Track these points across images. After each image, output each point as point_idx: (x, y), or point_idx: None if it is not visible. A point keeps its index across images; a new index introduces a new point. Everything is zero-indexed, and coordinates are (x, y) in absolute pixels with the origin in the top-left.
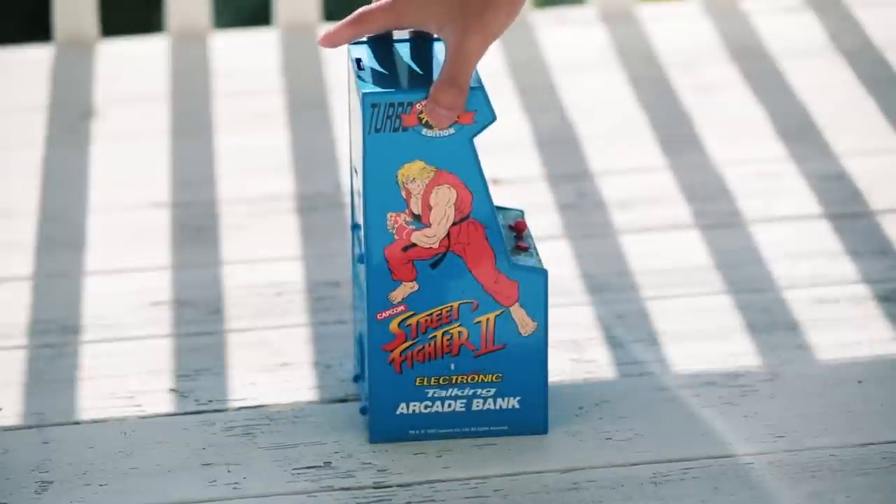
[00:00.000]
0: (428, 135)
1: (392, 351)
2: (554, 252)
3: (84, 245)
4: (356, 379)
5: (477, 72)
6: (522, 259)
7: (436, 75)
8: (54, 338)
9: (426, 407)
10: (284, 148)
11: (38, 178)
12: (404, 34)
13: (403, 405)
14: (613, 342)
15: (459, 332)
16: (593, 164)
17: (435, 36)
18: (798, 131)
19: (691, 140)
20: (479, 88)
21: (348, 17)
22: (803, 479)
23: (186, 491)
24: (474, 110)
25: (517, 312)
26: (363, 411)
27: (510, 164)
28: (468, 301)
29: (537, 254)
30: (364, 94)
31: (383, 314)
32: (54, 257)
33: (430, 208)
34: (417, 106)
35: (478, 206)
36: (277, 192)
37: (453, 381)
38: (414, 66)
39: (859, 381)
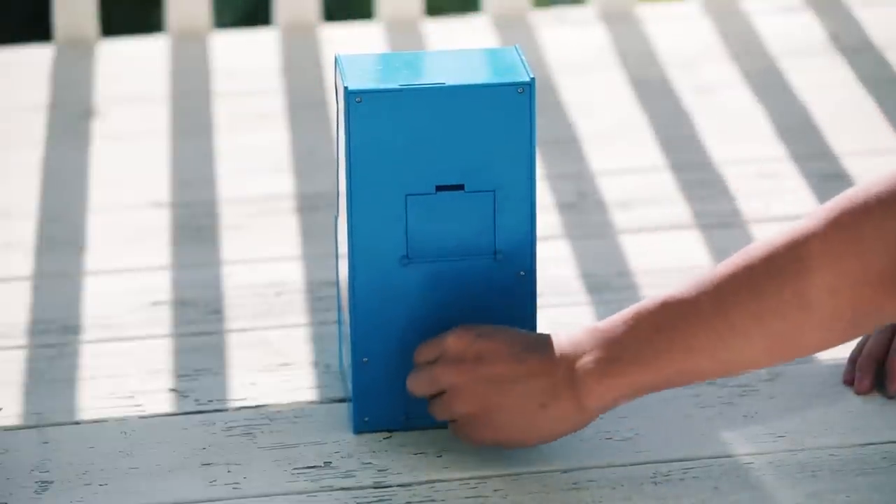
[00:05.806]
0: None
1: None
2: (554, 252)
3: (84, 245)
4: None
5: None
6: None
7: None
8: (54, 338)
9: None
10: (284, 148)
11: (38, 178)
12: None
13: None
14: None
15: None
16: (593, 164)
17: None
18: (798, 131)
19: (691, 140)
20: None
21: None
22: (803, 479)
23: (186, 491)
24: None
25: None
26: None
27: None
28: None
29: None
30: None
31: None
32: (54, 257)
33: None
34: None
35: None
36: (277, 192)
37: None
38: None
39: None
